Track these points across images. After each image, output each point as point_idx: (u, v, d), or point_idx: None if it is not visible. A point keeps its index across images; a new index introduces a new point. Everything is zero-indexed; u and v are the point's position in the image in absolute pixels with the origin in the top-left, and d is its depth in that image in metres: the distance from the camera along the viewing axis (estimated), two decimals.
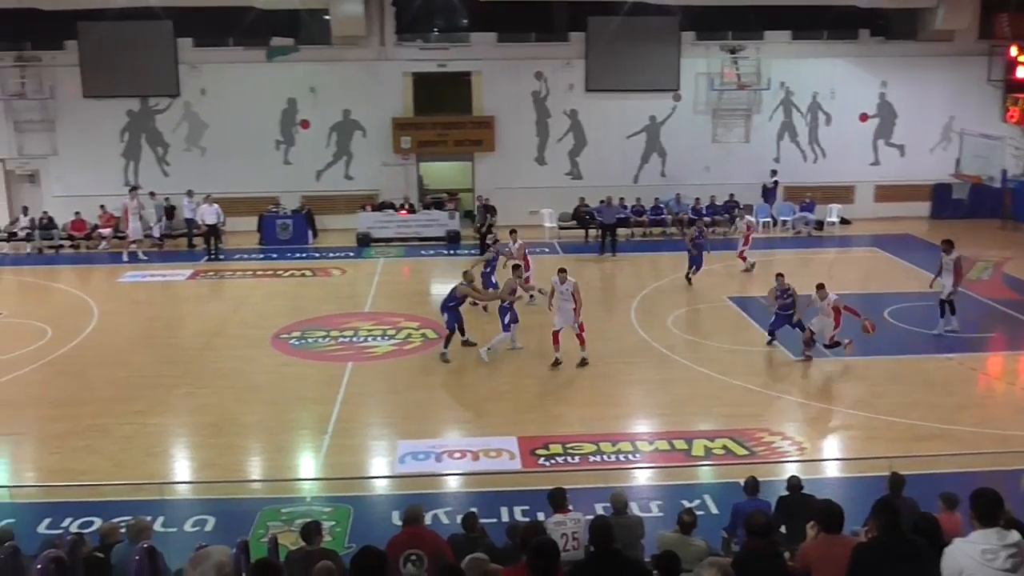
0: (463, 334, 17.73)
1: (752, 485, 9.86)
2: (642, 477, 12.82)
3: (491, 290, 19.21)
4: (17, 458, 14.07)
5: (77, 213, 27.85)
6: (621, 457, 13.23)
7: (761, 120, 30.34)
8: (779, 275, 17.79)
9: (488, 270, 20.33)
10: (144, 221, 27.32)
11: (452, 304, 17.31)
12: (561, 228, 28.40)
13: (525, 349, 17.72)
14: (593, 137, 29.98)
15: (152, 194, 28.18)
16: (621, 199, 27.80)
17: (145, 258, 26.21)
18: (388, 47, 29.18)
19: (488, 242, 23.21)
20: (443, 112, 29.59)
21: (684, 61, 29.67)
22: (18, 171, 29.35)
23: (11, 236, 27.78)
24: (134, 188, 27.79)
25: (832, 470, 13.04)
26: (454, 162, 30.54)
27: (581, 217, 28.19)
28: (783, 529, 8.80)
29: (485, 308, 19.70)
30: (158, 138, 29.37)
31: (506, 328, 17.23)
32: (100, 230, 27.73)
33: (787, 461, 12.86)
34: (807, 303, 16.96)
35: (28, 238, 27.59)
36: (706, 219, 27.96)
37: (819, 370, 16.72)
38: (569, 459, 13.09)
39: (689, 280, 22.47)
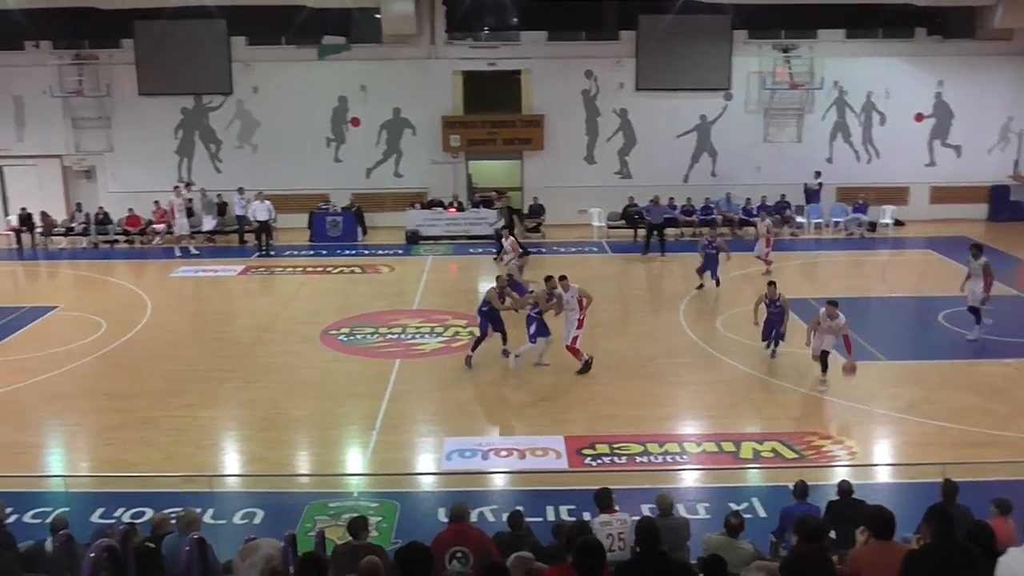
0: (504, 340, 17.38)
1: (801, 489, 9.74)
2: (689, 479, 12.73)
3: (521, 296, 18.20)
4: (72, 448, 14.33)
5: (130, 209, 28.32)
6: (668, 458, 13.14)
7: (814, 120, 29.99)
8: (771, 283, 17.16)
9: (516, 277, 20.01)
10: (197, 216, 27.78)
11: (485, 309, 17.13)
12: (610, 228, 28.31)
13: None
14: (643, 136, 29.85)
15: (203, 191, 28.53)
16: (671, 199, 27.66)
17: (197, 252, 26.60)
18: (438, 45, 29.29)
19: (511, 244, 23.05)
20: (492, 111, 29.63)
21: (736, 60, 29.44)
22: (75, 167, 29.92)
23: (68, 231, 28.33)
24: (188, 184, 28.29)
25: (883, 476, 12.84)
26: (503, 160, 30.56)
27: (630, 217, 28.07)
28: (832, 534, 8.69)
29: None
30: (211, 135, 29.76)
31: (532, 339, 16.67)
32: (154, 226, 28.18)
33: (837, 465, 12.68)
34: (817, 322, 15.52)
35: (84, 233, 28.11)
36: (756, 219, 27.75)
37: (871, 374, 16.44)
38: (616, 459, 13.03)
39: (702, 286, 21.87)
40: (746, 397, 15.51)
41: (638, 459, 13.02)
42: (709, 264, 21.70)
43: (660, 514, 8.96)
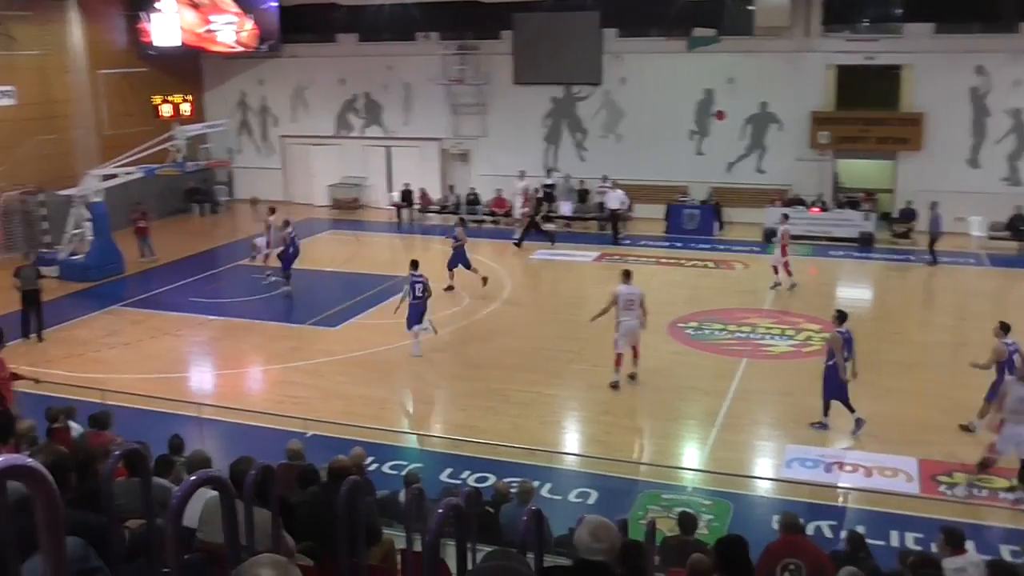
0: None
1: None
2: None
3: None
4: (429, 410, 15.47)
5: (499, 190, 29.89)
6: None
7: None
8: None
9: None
10: (556, 202, 28.83)
11: None
12: (991, 238, 25.86)
13: (936, 367, 16.34)
14: None
15: (567, 177, 29.46)
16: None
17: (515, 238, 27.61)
18: (812, 38, 28.17)
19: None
20: (867, 107, 28.08)
21: None
22: (452, 150, 32.07)
23: (442, 208, 30.47)
24: (549, 171, 29.68)
25: None
26: (874, 160, 28.92)
27: (1016, 228, 25.51)
28: None
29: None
30: (578, 124, 30.66)
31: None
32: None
33: None
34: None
35: (455, 211, 30.08)
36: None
37: None
38: (975, 491, 11.93)
39: None
40: None
41: (1001, 495, 11.83)
42: None
43: None
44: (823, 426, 13.87)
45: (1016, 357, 12.98)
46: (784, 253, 21.73)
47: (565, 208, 29.05)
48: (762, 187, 28.74)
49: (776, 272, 21.85)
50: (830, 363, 13.64)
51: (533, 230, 26.58)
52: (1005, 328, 13.36)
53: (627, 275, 16.15)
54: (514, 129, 31.00)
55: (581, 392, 15.80)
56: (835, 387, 13.64)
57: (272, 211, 23.42)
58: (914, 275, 23.50)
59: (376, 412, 14.69)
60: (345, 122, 33.29)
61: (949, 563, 7.77)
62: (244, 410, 14.18)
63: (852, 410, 13.60)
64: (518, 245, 26.47)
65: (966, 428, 13.60)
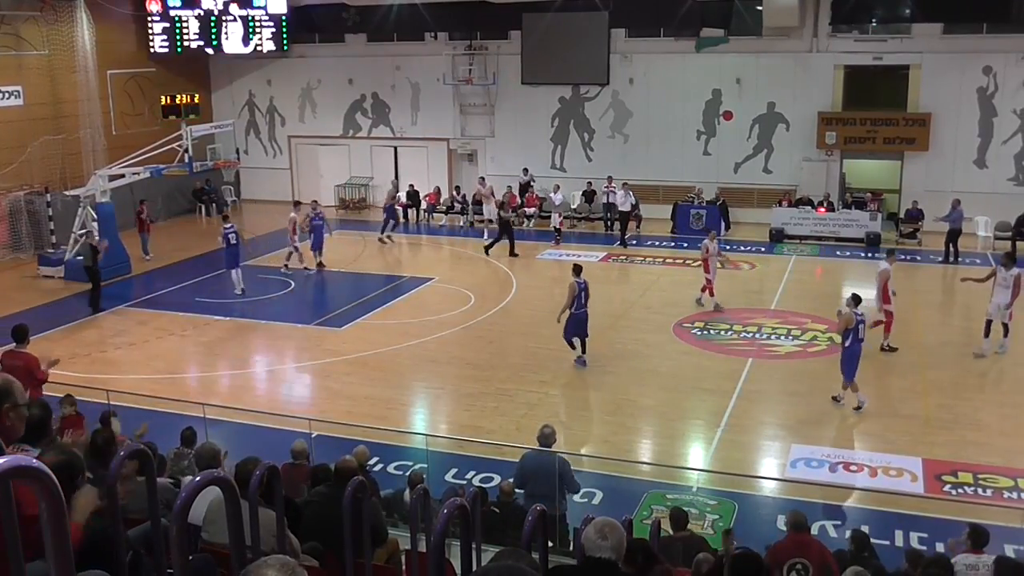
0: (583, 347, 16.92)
1: None
2: None
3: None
4: (435, 410, 15.50)
5: (509, 187, 29.77)
6: None
7: None
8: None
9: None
10: (559, 204, 28.75)
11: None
12: (997, 239, 25.80)
13: (941, 368, 16.32)
14: None
15: (557, 188, 29.39)
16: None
17: (488, 238, 27.21)
18: (821, 38, 28.14)
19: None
20: (874, 107, 28.04)
21: None
22: (459, 150, 32.08)
23: (449, 209, 30.48)
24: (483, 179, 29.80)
25: None
26: (881, 160, 28.87)
27: (1020, 229, 25.41)
28: None
29: None
30: (585, 124, 30.65)
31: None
32: (525, 209, 29.52)
33: None
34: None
35: (462, 212, 30.10)
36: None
37: None
38: (979, 491, 11.93)
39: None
40: None
41: (1006, 494, 11.83)
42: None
43: None
44: (583, 362, 16.53)
45: (862, 326, 14.48)
46: (707, 269, 20.27)
47: (555, 219, 27.82)
48: (769, 187, 28.74)
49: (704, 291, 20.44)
50: (573, 310, 16.34)
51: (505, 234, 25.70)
52: (856, 300, 14.67)
53: (889, 253, 18.47)
54: (522, 129, 31.02)
55: (587, 392, 15.85)
56: (570, 330, 16.45)
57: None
58: (920, 275, 23.43)
59: (382, 412, 14.73)
60: (353, 122, 33.33)
61: (963, 559, 7.76)
62: (250, 410, 14.23)
63: (574, 348, 16.60)
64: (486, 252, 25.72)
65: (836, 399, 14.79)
